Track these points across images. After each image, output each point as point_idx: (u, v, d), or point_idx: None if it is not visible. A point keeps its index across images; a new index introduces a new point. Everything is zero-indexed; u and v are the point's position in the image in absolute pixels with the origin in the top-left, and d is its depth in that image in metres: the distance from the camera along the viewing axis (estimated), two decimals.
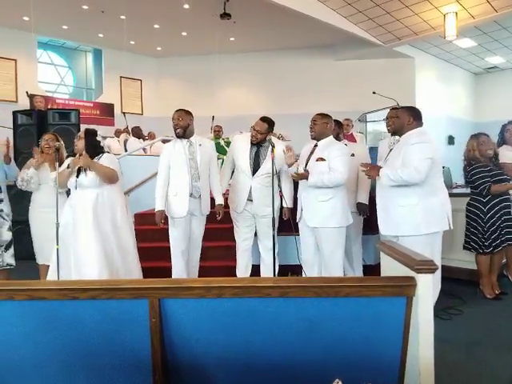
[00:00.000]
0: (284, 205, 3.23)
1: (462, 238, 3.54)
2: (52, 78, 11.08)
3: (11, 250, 3.11)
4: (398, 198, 2.72)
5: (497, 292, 3.43)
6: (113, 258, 2.84)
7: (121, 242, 2.90)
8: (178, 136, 3.09)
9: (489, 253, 3.35)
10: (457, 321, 2.93)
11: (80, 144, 2.94)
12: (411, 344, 1.36)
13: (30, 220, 3.40)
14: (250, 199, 3.21)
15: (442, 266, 3.07)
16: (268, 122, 3.19)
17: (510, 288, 3.60)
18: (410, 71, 10.22)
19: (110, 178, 2.87)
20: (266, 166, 3.14)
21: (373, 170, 2.77)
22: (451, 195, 3.58)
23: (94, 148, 2.94)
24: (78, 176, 2.90)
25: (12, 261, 3.12)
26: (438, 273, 2.84)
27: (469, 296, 3.40)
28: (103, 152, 2.97)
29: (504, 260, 3.80)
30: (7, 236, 3.08)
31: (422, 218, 2.69)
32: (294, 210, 3.25)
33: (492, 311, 3.12)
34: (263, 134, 3.17)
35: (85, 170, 2.89)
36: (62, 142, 3.34)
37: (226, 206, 3.47)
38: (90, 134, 2.96)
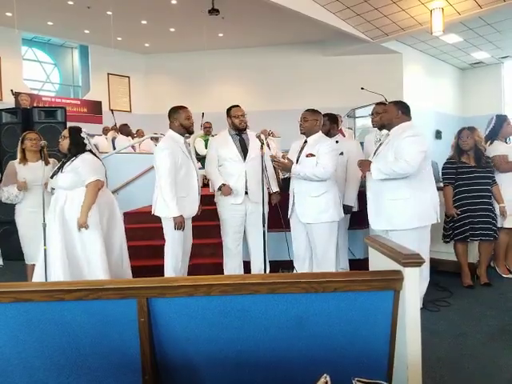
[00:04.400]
0: (270, 190, 3.23)
1: None
2: (38, 75, 10.89)
3: None
4: (390, 192, 2.75)
5: (482, 283, 3.52)
6: (78, 262, 2.79)
7: (87, 244, 2.80)
8: (190, 133, 3.14)
9: (448, 241, 3.52)
10: (445, 312, 2.98)
11: (65, 143, 2.90)
12: (399, 337, 1.38)
13: (18, 220, 3.35)
14: (246, 191, 3.18)
15: (431, 258, 3.13)
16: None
17: (498, 280, 3.68)
18: (397, 67, 10.30)
19: (95, 194, 2.79)
20: (254, 151, 3.15)
21: (364, 164, 2.79)
22: (438, 189, 3.66)
23: (77, 146, 2.88)
24: (52, 177, 2.88)
25: (0, 261, 3.07)
26: (427, 266, 2.88)
27: (455, 288, 3.47)
28: (86, 150, 2.90)
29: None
30: None
31: (414, 211, 2.73)
32: (283, 206, 3.25)
33: (479, 303, 3.18)
34: (246, 116, 3.24)
35: (59, 171, 2.85)
36: (45, 141, 3.30)
37: (211, 203, 3.45)
38: (74, 132, 2.91)
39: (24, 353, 1.42)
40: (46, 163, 3.27)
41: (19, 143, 3.42)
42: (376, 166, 2.71)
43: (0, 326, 1.39)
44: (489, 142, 3.74)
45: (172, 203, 2.88)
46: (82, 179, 2.80)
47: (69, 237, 2.78)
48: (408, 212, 2.73)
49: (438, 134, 11.35)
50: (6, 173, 3.40)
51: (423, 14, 8.24)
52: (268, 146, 3.11)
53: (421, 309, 2.31)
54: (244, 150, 3.22)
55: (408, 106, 2.91)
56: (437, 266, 3.61)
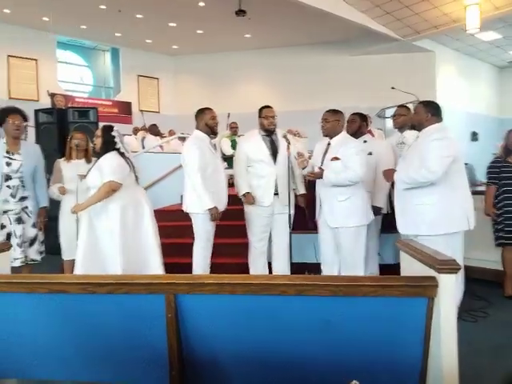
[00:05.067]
0: (297, 192, 3.20)
1: (486, 237, 3.45)
2: (72, 77, 11.29)
3: (35, 246, 3.17)
4: (417, 197, 2.65)
5: None
6: (99, 260, 2.84)
7: (106, 247, 2.84)
8: (214, 133, 3.18)
9: (498, 245, 3.36)
10: (482, 323, 2.83)
11: (98, 142, 2.96)
12: (433, 347, 1.31)
13: (60, 216, 3.48)
14: (276, 193, 3.16)
15: (467, 266, 2.98)
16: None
17: None
18: (430, 66, 9.97)
19: (106, 194, 2.82)
20: (284, 153, 3.13)
21: (387, 174, 2.73)
22: (474, 193, 3.48)
23: (107, 145, 2.92)
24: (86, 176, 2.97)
25: (36, 256, 3.18)
26: (461, 273, 2.75)
27: (494, 298, 3.28)
28: (114, 149, 2.92)
29: None
30: (31, 232, 3.14)
31: (440, 217, 2.62)
32: (309, 208, 3.21)
33: None
34: (276, 117, 3.21)
35: (91, 169, 2.92)
36: (90, 143, 3.41)
37: (240, 202, 3.45)
38: (106, 131, 2.97)
39: (57, 342, 1.48)
40: (88, 161, 3.39)
41: (67, 141, 3.57)
42: (398, 176, 2.65)
43: (35, 315, 1.46)
44: None
45: (205, 196, 2.95)
46: (102, 178, 2.85)
47: (93, 234, 2.85)
48: (434, 218, 2.61)
49: (474, 136, 10.90)
50: (54, 171, 3.55)
51: (458, 11, 7.93)
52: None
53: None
54: (274, 151, 3.20)
55: (439, 107, 2.79)
56: (472, 274, 3.44)
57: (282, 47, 10.66)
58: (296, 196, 3.26)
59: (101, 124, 3.91)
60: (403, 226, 2.76)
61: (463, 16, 7.78)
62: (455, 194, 2.68)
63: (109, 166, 2.84)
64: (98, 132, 3.00)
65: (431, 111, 2.73)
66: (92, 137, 3.13)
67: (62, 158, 3.57)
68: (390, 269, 3.47)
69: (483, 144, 9.92)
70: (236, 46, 10.28)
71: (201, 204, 2.98)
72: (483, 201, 3.43)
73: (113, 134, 2.95)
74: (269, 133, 3.23)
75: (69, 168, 3.48)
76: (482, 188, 3.95)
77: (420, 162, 2.59)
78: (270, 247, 3.36)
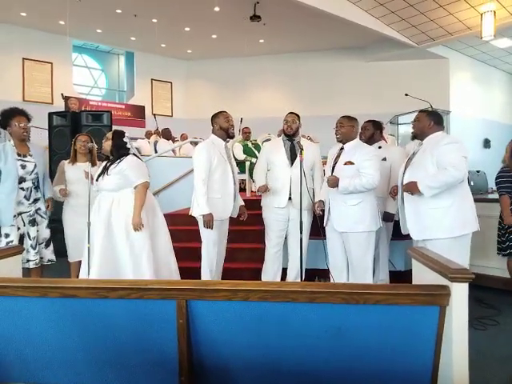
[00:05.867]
0: (316, 199, 3.19)
1: (494, 246, 3.45)
2: (86, 80, 11.48)
3: (51, 247, 3.22)
4: (431, 201, 2.63)
5: None
6: (119, 263, 2.83)
7: (136, 246, 2.84)
8: (230, 136, 3.18)
9: (506, 255, 3.31)
10: (492, 331, 2.80)
11: (107, 145, 2.98)
12: (444, 355, 1.31)
13: (64, 218, 3.52)
14: (289, 197, 3.18)
15: (477, 273, 2.96)
16: (296, 114, 3.31)
17: None
18: (444, 72, 9.90)
19: (145, 196, 2.85)
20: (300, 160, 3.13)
21: (411, 187, 2.66)
22: (486, 200, 3.47)
23: (119, 149, 2.94)
24: (97, 179, 2.96)
25: (53, 257, 3.23)
26: None
27: (504, 305, 3.25)
28: (128, 154, 2.95)
29: None
30: (46, 233, 3.19)
31: (456, 219, 2.62)
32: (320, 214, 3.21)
33: None
34: (295, 123, 3.24)
35: (103, 173, 2.92)
36: (95, 144, 3.46)
37: (252, 208, 3.46)
38: (117, 135, 2.99)
39: (68, 346, 1.49)
40: (93, 164, 3.42)
41: (72, 144, 3.60)
42: (424, 183, 2.60)
43: (46, 319, 1.46)
44: None
45: (202, 200, 2.92)
46: (130, 181, 2.86)
47: (111, 239, 2.83)
48: (451, 221, 2.61)
49: (487, 143, 10.78)
50: (58, 172, 3.59)
51: (473, 18, 7.88)
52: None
53: None
54: (293, 155, 3.23)
55: (441, 116, 2.83)
56: (482, 282, 3.41)
57: (295, 52, 10.71)
58: (313, 202, 3.24)
59: (114, 128, 3.97)
60: (416, 231, 2.73)
61: (478, 23, 7.73)
62: (467, 196, 2.70)
63: (136, 168, 2.89)
64: (109, 135, 3.02)
65: (434, 119, 2.74)
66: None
67: (67, 160, 3.60)
68: (400, 275, 3.45)
69: (495, 151, 9.78)
70: (250, 51, 10.34)
71: (197, 208, 2.98)
72: (497, 210, 3.39)
73: (124, 139, 2.98)
74: (289, 137, 3.26)
75: (73, 170, 3.49)
76: (493, 195, 3.92)
77: (438, 167, 2.58)
78: (286, 253, 3.37)
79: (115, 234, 2.84)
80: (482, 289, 3.41)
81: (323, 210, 3.14)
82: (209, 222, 2.93)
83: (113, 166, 2.90)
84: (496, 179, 3.41)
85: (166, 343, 1.43)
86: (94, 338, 1.47)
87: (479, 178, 3.78)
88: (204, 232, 3.06)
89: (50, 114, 5.37)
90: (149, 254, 2.85)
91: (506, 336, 2.75)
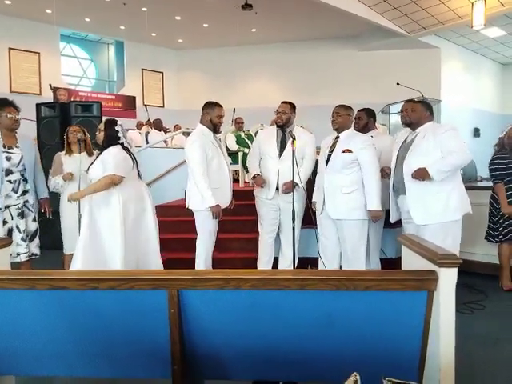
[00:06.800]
0: (296, 180, 3.11)
1: (483, 232, 3.52)
2: (75, 70, 11.29)
3: (36, 240, 3.19)
4: (434, 186, 2.73)
5: None
6: (100, 254, 2.80)
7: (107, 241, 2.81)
8: (216, 131, 3.16)
9: (498, 241, 3.38)
10: (478, 316, 2.87)
11: (100, 136, 2.95)
12: (431, 339, 1.34)
13: (61, 210, 3.49)
14: (277, 188, 3.19)
15: (465, 260, 3.03)
16: (290, 103, 3.27)
17: None
18: (435, 62, 9.93)
19: (105, 187, 2.78)
20: (290, 148, 3.12)
21: (421, 173, 2.72)
22: (475, 188, 3.52)
23: (110, 139, 2.90)
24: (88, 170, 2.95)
25: (37, 251, 3.20)
26: None
27: (491, 291, 3.34)
28: (118, 143, 2.90)
29: None
30: (32, 227, 3.16)
31: (458, 201, 2.77)
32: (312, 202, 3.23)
33: None
34: (287, 113, 3.21)
35: (94, 162, 2.90)
36: (88, 134, 3.41)
37: (245, 198, 3.47)
38: (109, 125, 2.95)
39: (58, 338, 1.48)
40: (90, 154, 3.40)
41: (65, 136, 3.58)
42: (435, 168, 2.68)
43: (36, 311, 1.45)
44: None
45: (207, 193, 2.93)
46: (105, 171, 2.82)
47: (94, 228, 2.82)
48: (454, 203, 2.75)
49: (476, 132, 10.89)
50: (54, 164, 3.56)
51: (464, 7, 7.88)
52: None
53: None
54: (282, 146, 3.23)
55: (432, 106, 2.97)
56: (470, 268, 3.49)
57: (288, 42, 10.63)
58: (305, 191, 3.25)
59: (104, 118, 3.93)
60: (421, 216, 2.78)
61: (469, 12, 7.74)
62: (461, 180, 2.86)
63: (113, 159, 2.82)
64: (101, 126, 3.00)
65: (429, 109, 2.87)
66: (95, 131, 3.14)
67: (63, 152, 3.58)
68: (391, 263, 3.50)
69: (484, 140, 9.89)
70: (242, 41, 10.25)
71: (203, 201, 2.98)
72: (487, 197, 3.44)
73: (116, 128, 2.94)
74: (280, 127, 3.25)
75: (70, 162, 3.49)
76: (482, 183, 3.97)
77: (444, 152, 2.70)
78: (278, 242, 3.40)
79: (98, 224, 2.82)
80: (470, 274, 3.49)
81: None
82: (218, 212, 2.97)
83: (99, 157, 2.90)
84: (490, 166, 3.43)
85: (158, 333, 1.43)
86: (84, 329, 1.47)
87: (469, 166, 3.82)
88: (203, 223, 3.07)
89: (38, 105, 5.29)
90: (120, 255, 2.79)
91: (491, 320, 2.82)
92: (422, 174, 2.71)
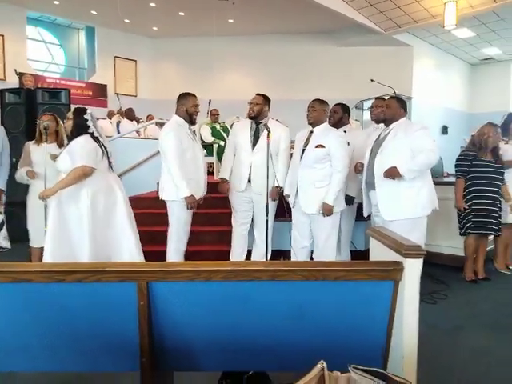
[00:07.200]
0: (275, 183, 3.22)
1: (449, 225, 3.66)
2: (43, 56, 10.82)
3: (3, 232, 3.06)
4: (405, 182, 2.81)
5: (480, 277, 3.55)
6: (73, 246, 2.73)
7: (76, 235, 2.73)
8: (192, 122, 3.15)
9: (463, 234, 3.53)
10: (441, 305, 3.01)
11: (68, 125, 2.84)
12: (396, 327, 1.38)
13: (29, 201, 3.38)
14: (249, 180, 3.21)
15: (430, 252, 3.18)
16: (263, 95, 3.28)
17: (494, 274, 3.70)
18: (407, 59, 10.15)
19: (77, 180, 2.70)
20: (264, 143, 3.13)
21: (392, 172, 2.79)
22: (442, 183, 3.67)
23: (78, 128, 2.80)
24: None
25: (6, 243, 3.07)
26: None
27: (454, 281, 3.50)
28: (87, 133, 2.80)
29: (492, 246, 3.90)
30: None
31: (427, 198, 2.86)
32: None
33: (475, 296, 3.20)
34: (259, 104, 3.21)
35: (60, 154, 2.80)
36: (62, 123, 3.28)
37: (216, 191, 3.45)
38: (77, 113, 2.85)
39: (22, 332, 1.43)
40: (60, 145, 3.28)
41: (37, 124, 3.44)
42: (405, 167, 2.75)
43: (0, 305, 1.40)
44: None
45: (182, 183, 2.92)
46: (73, 162, 2.72)
47: (63, 220, 2.73)
48: (423, 199, 2.84)
49: (445, 130, 11.25)
50: (23, 153, 3.43)
51: (437, 7, 8.08)
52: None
53: None
54: (256, 139, 3.23)
55: (406, 103, 3.04)
56: (433, 259, 3.65)
57: (266, 34, 10.57)
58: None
59: (73, 106, 3.80)
60: (390, 212, 2.86)
61: (441, 12, 7.95)
62: (430, 177, 2.95)
63: (81, 149, 2.73)
64: (70, 114, 2.89)
65: (403, 106, 2.93)
66: (63, 120, 3.03)
67: (32, 141, 3.44)
68: (360, 255, 3.59)
69: (452, 138, 10.26)
70: (219, 31, 10.10)
71: (177, 192, 2.96)
72: (452, 192, 3.57)
73: (85, 117, 2.84)
74: (254, 120, 3.25)
75: (38, 152, 3.36)
76: (448, 179, 4.13)
77: (413, 151, 2.76)
78: (251, 235, 3.42)
79: (66, 216, 2.73)
80: (435, 266, 3.65)
81: (280, 194, 3.23)
82: (192, 203, 2.97)
83: (67, 146, 2.80)
84: (456, 161, 3.57)
85: (126, 326, 1.41)
86: (50, 322, 1.43)
87: (436, 162, 3.96)
88: (176, 216, 3.06)
89: (2, 91, 5.06)
90: (88, 247, 2.72)
91: (453, 309, 2.95)
92: (392, 173, 2.79)
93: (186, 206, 2.99)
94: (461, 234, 3.56)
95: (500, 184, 3.51)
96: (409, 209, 2.81)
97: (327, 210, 2.96)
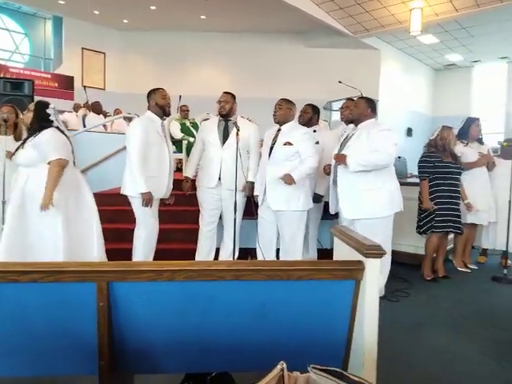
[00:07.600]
0: (247, 178, 3.23)
1: (411, 225, 3.76)
2: (6, 44, 10.30)
3: None
4: (363, 183, 2.84)
5: (440, 275, 3.69)
6: (30, 245, 2.62)
7: (48, 228, 2.62)
8: (166, 114, 3.09)
9: (422, 233, 3.64)
10: (403, 303, 3.10)
11: (27, 117, 2.73)
12: (357, 325, 1.41)
13: None
14: (219, 178, 3.19)
15: (393, 250, 3.26)
16: (231, 93, 3.29)
17: (453, 273, 3.86)
18: (375, 63, 10.41)
19: (59, 174, 2.60)
20: (234, 138, 3.13)
21: (340, 158, 2.84)
22: (405, 184, 3.78)
23: (41, 121, 2.69)
24: (14, 153, 2.72)
25: None
26: (389, 253, 3.02)
27: (416, 279, 3.62)
28: (51, 126, 2.71)
29: (451, 245, 4.07)
30: None
31: (387, 200, 2.88)
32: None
33: (436, 294, 3.32)
34: (228, 102, 3.22)
35: (22, 146, 2.67)
36: (22, 116, 3.12)
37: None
38: (40, 107, 2.74)
39: None
40: (17, 139, 3.12)
41: None
42: (354, 159, 2.77)
43: None
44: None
45: (140, 179, 2.87)
46: (44, 156, 2.62)
47: (24, 218, 2.60)
48: (382, 201, 2.86)
49: (409, 132, 11.66)
50: None
51: (403, 13, 8.33)
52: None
53: (381, 298, 2.39)
54: (225, 136, 3.22)
55: (375, 104, 3.06)
56: (397, 258, 3.76)
57: (237, 32, 10.52)
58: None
59: (37, 98, 3.64)
60: (350, 211, 2.90)
61: (408, 18, 8.20)
62: (393, 179, 2.97)
63: (53, 142, 2.63)
64: (31, 106, 2.77)
65: (371, 106, 2.96)
66: (23, 112, 2.89)
67: None
68: (327, 253, 3.65)
69: (416, 140, 10.63)
70: (191, 27, 9.97)
71: (134, 186, 2.91)
72: (417, 192, 3.67)
73: (48, 111, 2.72)
74: (223, 117, 3.23)
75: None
76: (411, 180, 4.27)
77: (373, 150, 2.78)
78: (221, 233, 3.40)
79: (27, 214, 2.61)
80: (399, 265, 3.75)
81: (252, 190, 3.22)
82: (148, 200, 2.90)
83: (30, 139, 2.67)
84: (419, 163, 3.66)
85: (85, 328, 1.37)
86: (4, 324, 1.36)
87: (400, 163, 4.09)
88: (139, 212, 3.01)
89: None
90: (63, 237, 2.63)
91: (414, 306, 3.05)
92: (339, 159, 2.86)
93: (156, 201, 2.96)
94: (420, 233, 3.67)
95: (459, 184, 3.65)
96: (367, 209, 2.85)
97: (287, 179, 2.90)
